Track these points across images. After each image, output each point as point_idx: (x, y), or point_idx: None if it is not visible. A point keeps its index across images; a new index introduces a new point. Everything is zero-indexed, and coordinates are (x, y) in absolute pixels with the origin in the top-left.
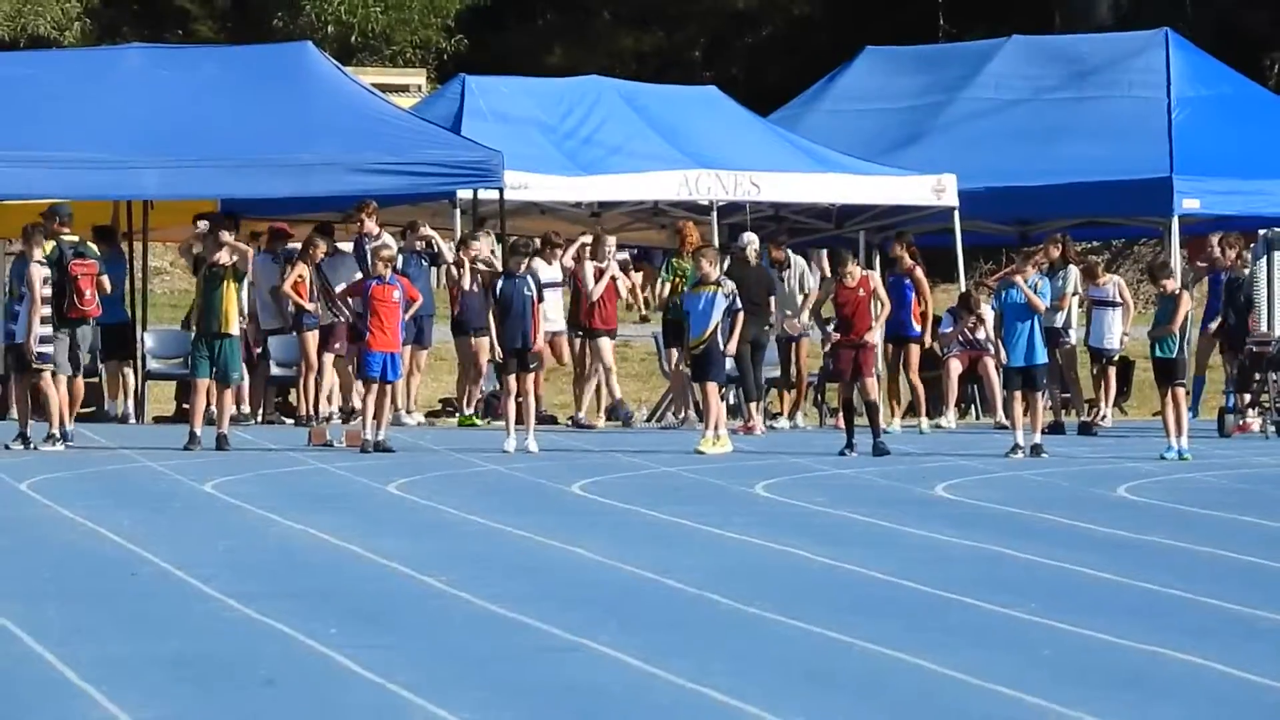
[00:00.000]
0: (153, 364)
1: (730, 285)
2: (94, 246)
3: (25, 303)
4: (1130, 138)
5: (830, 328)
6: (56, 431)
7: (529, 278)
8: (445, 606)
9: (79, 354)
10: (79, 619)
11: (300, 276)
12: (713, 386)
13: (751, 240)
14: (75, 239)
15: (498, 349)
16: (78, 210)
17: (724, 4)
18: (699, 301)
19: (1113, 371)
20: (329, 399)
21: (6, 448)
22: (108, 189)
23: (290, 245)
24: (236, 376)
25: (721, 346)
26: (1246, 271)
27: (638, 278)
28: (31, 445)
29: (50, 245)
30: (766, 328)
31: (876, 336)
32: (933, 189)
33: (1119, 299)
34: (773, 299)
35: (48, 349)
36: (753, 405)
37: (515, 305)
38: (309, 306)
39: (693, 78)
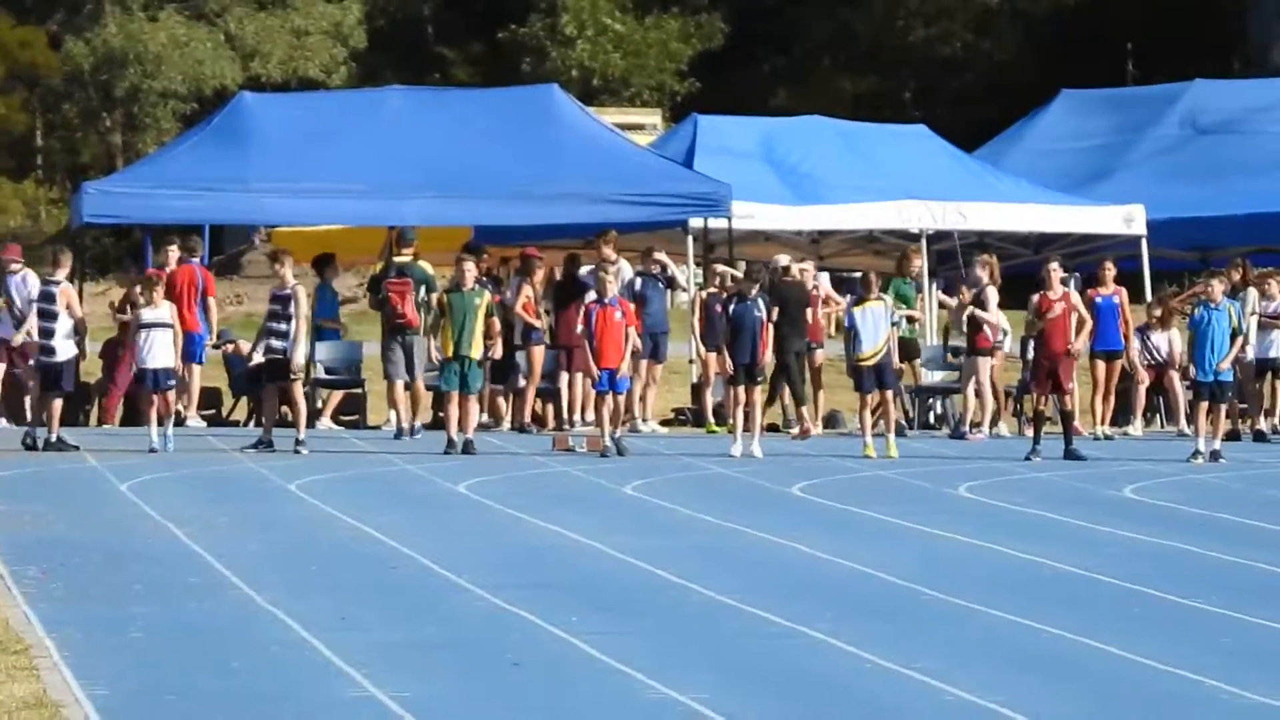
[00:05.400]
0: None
1: (887, 301)
2: (422, 266)
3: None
4: None
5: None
6: (302, 435)
7: (760, 300)
8: (676, 597)
9: (411, 362)
10: (344, 609)
11: (528, 296)
12: (890, 394)
13: (783, 258)
14: (406, 259)
15: (729, 363)
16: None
17: (933, 51)
18: (869, 316)
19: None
20: (582, 411)
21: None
22: (373, 217)
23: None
24: (478, 386)
25: (891, 358)
26: None
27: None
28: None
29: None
30: (807, 339)
31: (1081, 349)
32: (1123, 219)
33: None
34: (808, 311)
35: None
36: (804, 410)
37: (746, 325)
38: (537, 324)
39: (904, 117)
